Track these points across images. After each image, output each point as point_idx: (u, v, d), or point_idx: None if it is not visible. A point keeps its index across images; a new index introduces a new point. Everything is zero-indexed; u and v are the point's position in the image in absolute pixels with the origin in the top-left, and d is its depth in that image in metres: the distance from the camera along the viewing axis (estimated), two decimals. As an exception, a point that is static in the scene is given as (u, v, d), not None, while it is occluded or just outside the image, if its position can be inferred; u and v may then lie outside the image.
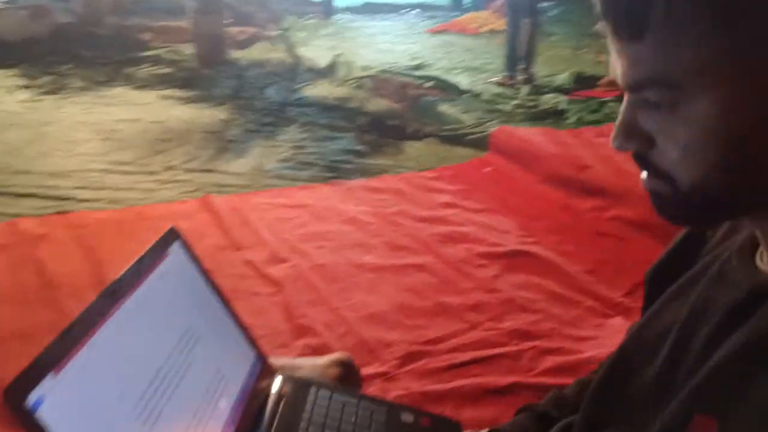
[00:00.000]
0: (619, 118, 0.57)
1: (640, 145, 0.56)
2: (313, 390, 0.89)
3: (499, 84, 5.10)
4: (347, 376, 0.95)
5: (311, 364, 0.96)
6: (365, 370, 2.01)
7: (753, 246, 0.60)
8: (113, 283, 0.70)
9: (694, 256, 0.72)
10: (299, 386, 0.90)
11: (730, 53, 0.47)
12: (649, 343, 0.67)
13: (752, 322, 0.54)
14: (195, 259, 0.86)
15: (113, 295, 0.69)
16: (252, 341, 0.91)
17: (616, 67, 0.55)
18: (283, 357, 0.97)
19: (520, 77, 5.25)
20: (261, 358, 0.89)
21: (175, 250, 0.83)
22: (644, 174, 0.58)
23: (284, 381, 0.90)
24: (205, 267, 0.90)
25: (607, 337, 2.19)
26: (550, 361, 2.06)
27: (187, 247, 0.86)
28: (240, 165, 3.69)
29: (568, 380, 1.99)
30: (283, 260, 2.60)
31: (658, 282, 0.76)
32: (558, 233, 2.96)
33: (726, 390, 0.53)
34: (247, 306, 2.26)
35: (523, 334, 2.21)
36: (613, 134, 0.58)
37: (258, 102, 4.96)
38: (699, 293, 0.62)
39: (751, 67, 0.47)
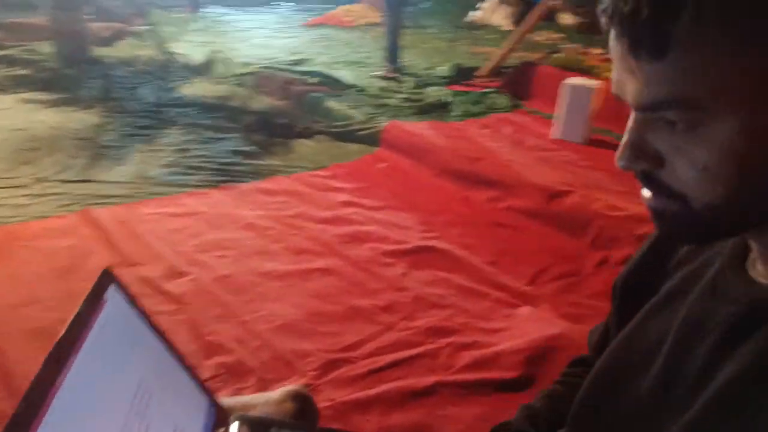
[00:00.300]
0: (626, 136, 0.55)
1: (647, 164, 0.54)
2: (273, 431, 0.82)
3: (383, 78, 5.11)
4: (304, 410, 0.88)
5: (264, 401, 0.89)
6: (283, 385, 1.93)
7: (743, 255, 0.60)
8: (55, 347, 0.60)
9: (663, 264, 0.72)
10: (257, 428, 0.82)
11: (758, 73, 0.46)
12: (637, 356, 0.67)
13: (758, 340, 0.53)
14: (133, 301, 0.77)
15: (57, 361, 0.59)
16: (201, 384, 0.82)
17: (625, 84, 0.52)
18: (233, 397, 0.89)
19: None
20: (214, 404, 0.81)
21: (112, 295, 0.73)
22: (648, 193, 0.56)
23: (240, 425, 0.82)
24: (143, 308, 0.80)
25: (517, 327, 2.24)
26: (467, 357, 2.08)
27: (124, 290, 0.76)
28: (120, 173, 3.44)
29: (489, 374, 2.01)
30: (182, 274, 2.45)
31: (629, 289, 0.76)
32: (458, 226, 3.00)
33: (738, 410, 0.53)
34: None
35: (438, 331, 2.22)
36: (619, 153, 0.55)
37: (131, 103, 4.66)
38: (691, 307, 0.62)
39: None
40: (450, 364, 2.06)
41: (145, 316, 0.79)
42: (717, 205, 0.51)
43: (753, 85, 0.46)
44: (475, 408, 1.87)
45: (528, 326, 2.24)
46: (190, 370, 0.82)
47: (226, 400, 0.85)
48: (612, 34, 0.52)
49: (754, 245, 0.58)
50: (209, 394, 0.82)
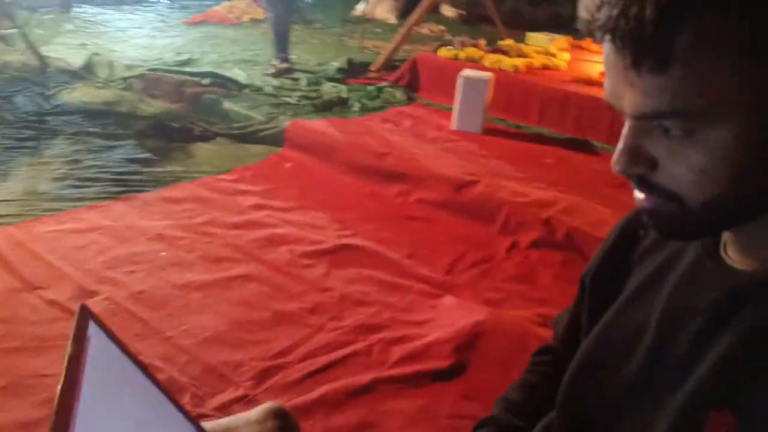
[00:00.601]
0: (623, 142, 0.58)
1: (643, 168, 0.58)
2: (262, 452, 0.81)
3: (275, 75, 5.06)
4: (286, 427, 0.88)
5: (245, 422, 0.87)
6: (219, 398, 1.89)
7: (716, 243, 0.66)
8: (60, 395, 0.56)
9: (628, 256, 0.78)
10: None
11: (755, 82, 0.51)
12: (618, 344, 0.71)
13: (748, 316, 0.59)
14: (112, 336, 0.73)
15: (66, 409, 0.56)
16: (185, 413, 0.80)
17: (623, 95, 0.55)
18: (212, 421, 0.87)
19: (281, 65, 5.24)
20: (200, 430, 0.79)
21: (94, 332, 0.70)
22: (642, 195, 0.60)
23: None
24: (120, 340, 0.77)
25: (443, 317, 2.31)
26: (399, 351, 2.12)
27: (102, 326, 0.73)
28: (6, 190, 3.20)
29: (422, 366, 2.06)
30: (94, 293, 2.32)
31: (598, 282, 0.81)
32: (371, 222, 3.04)
33: (738, 384, 0.58)
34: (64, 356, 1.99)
35: (367, 329, 2.24)
36: (615, 158, 0.59)
37: (8, 113, 4.33)
38: (671, 296, 0.67)
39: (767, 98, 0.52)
40: (383, 359, 2.09)
41: (123, 348, 0.76)
42: (712, 204, 0.55)
43: (750, 94, 0.51)
44: (414, 400, 1.91)
45: (453, 315, 2.31)
46: (174, 401, 0.80)
47: (207, 425, 0.83)
48: (608, 47, 0.55)
49: (728, 234, 0.63)
50: (194, 422, 0.80)
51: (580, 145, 3.98)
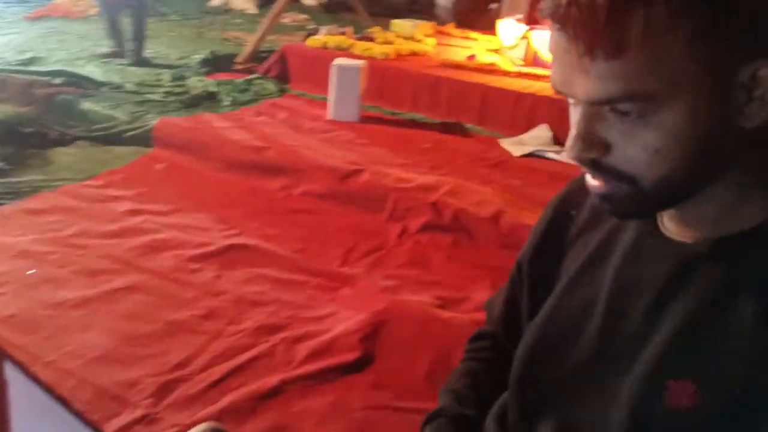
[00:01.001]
0: (577, 129, 0.59)
1: (597, 152, 0.58)
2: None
3: (104, 57, 4.88)
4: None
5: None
6: (116, 422, 1.76)
7: (654, 218, 0.68)
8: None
9: (564, 236, 0.79)
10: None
11: (703, 62, 0.52)
12: (567, 323, 0.72)
13: (698, 285, 0.62)
14: (31, 375, 0.65)
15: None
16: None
17: (575, 82, 0.56)
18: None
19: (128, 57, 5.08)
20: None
21: (11, 371, 0.62)
22: (595, 180, 0.61)
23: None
24: (37, 376, 0.70)
25: (343, 310, 2.28)
26: (303, 349, 2.07)
27: (18, 363, 0.64)
28: None
29: (329, 361, 2.03)
30: (-46, 323, 2.08)
31: (536, 265, 0.81)
32: (257, 219, 2.95)
33: (694, 352, 0.61)
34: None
35: (267, 329, 2.18)
36: (569, 145, 0.59)
37: None
38: (618, 272, 0.69)
39: (717, 78, 0.54)
40: (289, 359, 2.04)
41: (41, 384, 0.68)
42: (664, 181, 0.57)
43: (700, 74, 0.52)
44: (325, 397, 1.88)
45: (353, 307, 2.29)
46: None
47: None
48: (558, 35, 0.55)
49: (674, 210, 0.66)
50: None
51: (454, 128, 4.08)
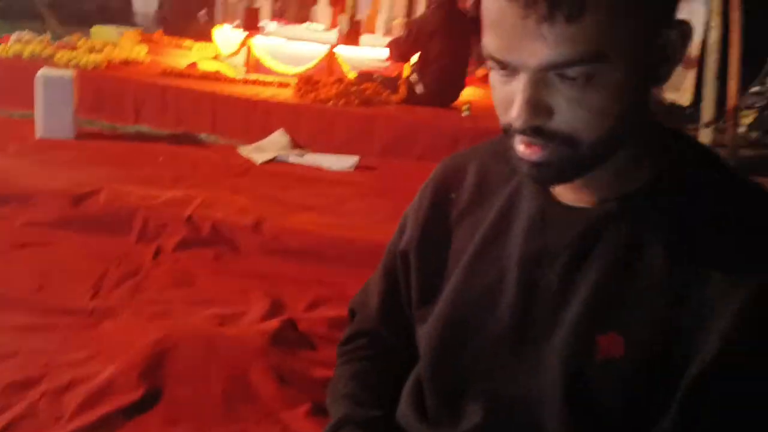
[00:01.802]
0: (524, 96, 0.58)
1: (542, 118, 0.59)
2: None
3: None
4: None
5: None
6: None
7: (546, 189, 0.71)
8: None
9: (447, 218, 0.79)
10: None
11: (642, 25, 0.57)
12: (476, 300, 0.72)
13: (610, 243, 0.65)
14: None
15: None
16: None
17: (524, 49, 0.56)
18: None
19: None
20: None
21: None
22: (530, 148, 0.61)
23: None
24: None
25: (111, 347, 2.02)
26: (73, 399, 1.77)
27: None
28: None
29: (111, 406, 1.79)
30: None
31: (422, 250, 0.80)
32: (-26, 260, 2.46)
33: (617, 305, 0.64)
34: None
35: (19, 386, 1.82)
36: (517, 113, 0.59)
37: None
38: (525, 242, 0.70)
39: (647, 38, 0.59)
40: (57, 414, 1.73)
41: None
42: (603, 139, 0.60)
43: (638, 35, 0.57)
44: (114, 448, 1.64)
45: (122, 341, 2.04)
46: None
47: None
48: (508, 4, 0.56)
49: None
50: None
51: (187, 139, 3.88)
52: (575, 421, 0.65)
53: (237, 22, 4.98)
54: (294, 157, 3.70)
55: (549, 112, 0.60)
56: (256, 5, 5.08)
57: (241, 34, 4.79)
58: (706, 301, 0.62)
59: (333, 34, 4.97)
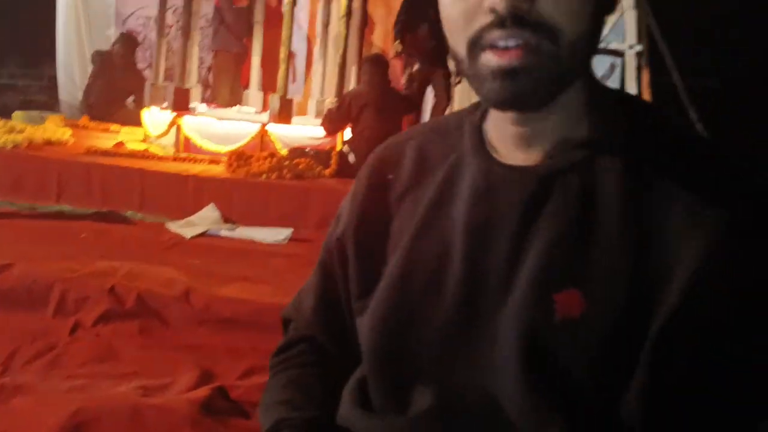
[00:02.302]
0: None
1: (527, 1, 0.57)
2: None
3: None
4: None
5: None
6: None
7: (488, 155, 0.68)
8: None
9: (385, 201, 0.74)
10: None
11: None
12: (421, 279, 0.66)
13: (558, 202, 0.62)
14: None
15: None
16: None
17: None
18: None
19: None
20: None
21: None
22: (515, 50, 0.58)
23: None
24: None
25: (24, 425, 1.82)
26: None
27: None
28: None
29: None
30: None
31: (361, 236, 0.74)
32: None
33: (572, 261, 0.60)
34: None
35: None
36: None
37: None
38: (471, 210, 0.65)
39: None
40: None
41: None
42: (580, 39, 0.59)
43: None
44: None
45: (34, 417, 1.84)
46: None
47: None
48: None
49: (511, 134, 0.66)
50: None
51: (112, 218, 3.73)
52: (536, 390, 0.59)
53: (166, 103, 4.95)
54: (225, 231, 3.60)
55: None
56: (187, 86, 5.08)
57: (170, 114, 4.74)
58: (666, 249, 0.59)
59: (264, 117, 5.00)
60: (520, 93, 0.60)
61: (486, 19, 0.58)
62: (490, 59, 0.59)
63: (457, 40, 0.62)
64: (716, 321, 0.57)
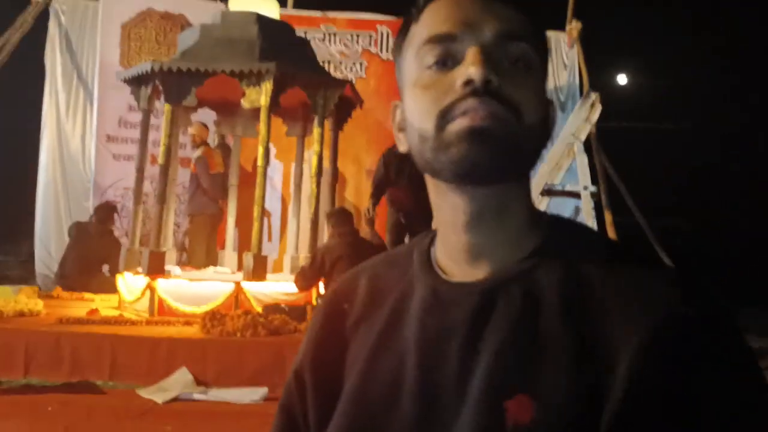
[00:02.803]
0: (479, 57, 0.64)
1: (496, 77, 0.63)
2: None
3: None
4: None
5: None
6: None
7: (435, 274, 0.71)
8: None
9: (341, 330, 0.75)
10: None
11: (544, 73, 0.71)
12: (376, 403, 0.66)
13: (504, 312, 0.64)
14: None
15: None
16: None
17: (485, 22, 0.66)
18: None
19: None
20: None
21: None
22: (484, 112, 0.63)
23: None
24: None
25: None
26: None
27: None
28: None
29: None
30: None
31: (318, 366, 0.74)
32: None
33: (520, 368, 0.61)
34: None
35: None
36: (476, 70, 0.63)
37: None
38: (421, 326, 0.67)
39: (545, 90, 0.70)
40: None
41: None
42: (536, 126, 0.66)
43: (543, 70, 0.70)
44: None
45: None
46: None
47: None
48: None
49: (457, 254, 0.70)
50: None
51: (82, 388, 3.60)
52: None
53: (140, 268, 4.97)
54: (198, 394, 3.49)
55: (499, 79, 0.64)
56: (162, 249, 5.13)
57: (145, 279, 4.75)
58: (608, 349, 0.60)
59: (239, 276, 5.03)
60: (485, 156, 0.63)
61: (458, 93, 0.64)
62: (461, 123, 0.64)
63: (426, 119, 0.66)
64: (658, 415, 0.58)
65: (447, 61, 0.66)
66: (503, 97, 0.64)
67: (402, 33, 0.72)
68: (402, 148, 0.73)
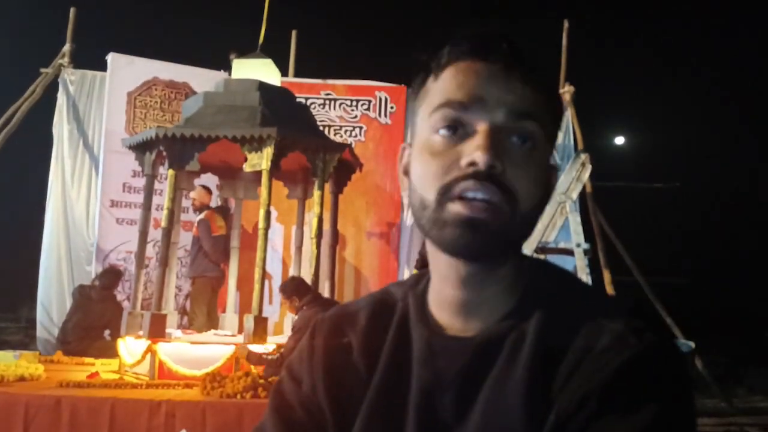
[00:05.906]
0: (487, 143, 0.67)
1: (500, 165, 0.67)
2: None
3: None
4: None
5: None
6: None
7: (430, 326, 0.76)
8: None
9: (347, 362, 0.79)
10: None
11: (549, 142, 0.73)
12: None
13: (494, 364, 0.70)
14: None
15: None
16: None
17: (499, 98, 0.69)
18: None
19: None
20: None
21: None
22: (480, 204, 0.67)
23: None
24: None
25: None
26: None
27: None
28: None
29: None
30: None
31: (333, 397, 0.78)
32: None
33: (511, 414, 0.67)
34: None
35: None
36: (481, 155, 0.67)
37: None
38: (419, 378, 0.73)
39: (549, 157, 0.74)
40: None
41: None
42: (530, 214, 0.69)
43: (549, 139, 0.72)
44: None
45: None
46: None
47: None
48: (484, 66, 0.70)
49: (451, 310, 0.75)
50: None
51: (80, 452, 3.57)
52: None
53: (141, 332, 4.97)
54: (199, 458, 3.45)
55: (503, 164, 0.68)
56: (164, 312, 5.15)
57: (146, 342, 4.75)
58: (573, 398, 0.65)
59: (240, 338, 5.03)
60: (476, 243, 0.68)
61: (461, 172, 0.68)
62: (458, 209, 0.68)
63: (428, 189, 0.70)
64: None
65: (457, 129, 0.69)
66: (504, 185, 0.67)
67: (419, 83, 0.76)
68: (404, 192, 0.80)
